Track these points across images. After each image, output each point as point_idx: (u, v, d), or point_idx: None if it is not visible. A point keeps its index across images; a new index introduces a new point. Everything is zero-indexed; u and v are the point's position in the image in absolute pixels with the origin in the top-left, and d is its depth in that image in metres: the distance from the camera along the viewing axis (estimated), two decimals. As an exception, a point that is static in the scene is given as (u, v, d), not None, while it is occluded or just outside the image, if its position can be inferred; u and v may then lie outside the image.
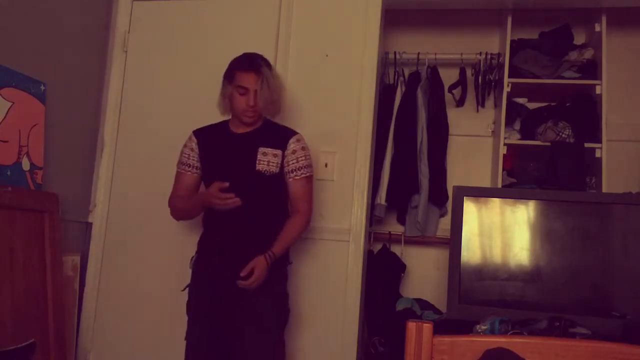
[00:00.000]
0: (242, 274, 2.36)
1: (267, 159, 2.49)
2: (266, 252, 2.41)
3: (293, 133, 2.59)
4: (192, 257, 2.61)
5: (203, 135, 2.65)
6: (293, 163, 2.52)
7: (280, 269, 2.53)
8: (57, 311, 2.73)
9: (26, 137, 2.72)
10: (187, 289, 2.59)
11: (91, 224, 3.26)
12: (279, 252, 2.45)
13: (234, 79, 2.50)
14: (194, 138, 2.65)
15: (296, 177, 2.53)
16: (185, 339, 2.55)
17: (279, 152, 2.51)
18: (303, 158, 2.55)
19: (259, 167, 2.48)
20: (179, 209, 2.68)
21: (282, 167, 2.51)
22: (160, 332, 3.07)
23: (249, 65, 2.51)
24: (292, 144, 2.53)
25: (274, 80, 2.53)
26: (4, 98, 2.60)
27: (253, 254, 2.44)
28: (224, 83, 2.56)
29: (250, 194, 2.47)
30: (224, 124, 2.64)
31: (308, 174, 2.56)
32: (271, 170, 2.49)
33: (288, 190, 2.55)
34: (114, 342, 3.16)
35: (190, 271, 2.61)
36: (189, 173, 2.63)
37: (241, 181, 2.47)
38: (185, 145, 2.66)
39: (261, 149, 2.50)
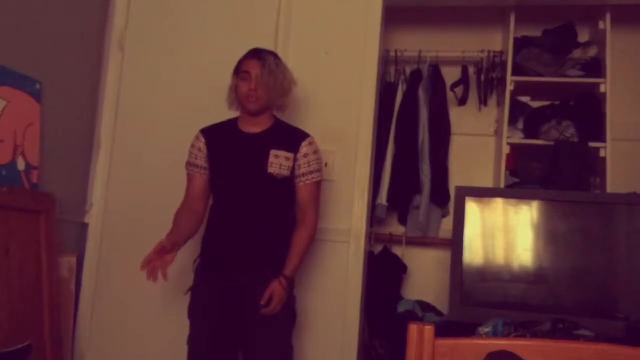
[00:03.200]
0: (262, 302, 2.34)
1: (279, 162, 2.44)
2: (279, 276, 2.37)
3: (305, 136, 2.53)
4: (195, 259, 2.57)
5: (211, 134, 2.59)
6: (304, 167, 2.47)
7: None
8: (54, 313, 2.72)
9: (22, 137, 2.71)
10: (190, 292, 2.55)
11: (88, 224, 3.24)
12: (292, 273, 2.41)
13: (239, 68, 2.51)
14: (201, 137, 2.59)
15: (306, 182, 2.47)
16: (187, 343, 2.50)
17: (291, 155, 2.46)
18: (315, 162, 2.50)
19: (270, 170, 2.43)
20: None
21: (293, 170, 2.47)
22: (158, 333, 3.06)
23: (253, 53, 2.53)
24: (304, 147, 2.48)
25: (281, 72, 2.49)
26: (-2, 97, 2.59)
27: (260, 257, 2.43)
28: (232, 78, 2.54)
29: (260, 196, 2.45)
30: (232, 123, 2.58)
31: (318, 179, 2.51)
32: (283, 173, 2.44)
33: (296, 195, 2.50)
34: (110, 344, 3.15)
35: (192, 274, 2.57)
36: (198, 174, 2.57)
37: (251, 184, 2.45)
38: (192, 146, 2.60)
39: (273, 152, 2.45)
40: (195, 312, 2.51)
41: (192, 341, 2.49)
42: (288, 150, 2.47)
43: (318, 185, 2.53)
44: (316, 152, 2.52)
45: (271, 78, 2.44)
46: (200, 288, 2.52)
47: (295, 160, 2.46)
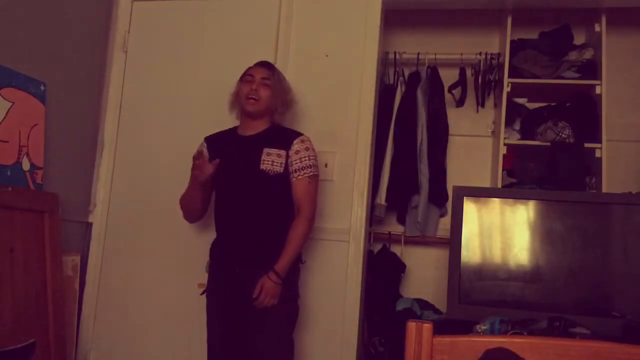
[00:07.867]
0: (254, 296, 2.41)
1: (271, 159, 2.52)
2: (269, 271, 2.42)
3: (298, 134, 2.62)
4: (207, 261, 2.67)
5: (212, 140, 2.72)
6: (296, 163, 2.54)
7: (292, 269, 2.53)
8: (57, 311, 2.73)
9: (26, 137, 2.72)
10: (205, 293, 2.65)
11: (91, 224, 3.26)
12: (282, 267, 2.44)
13: (244, 73, 2.63)
14: (204, 143, 2.72)
15: (299, 177, 2.54)
16: (207, 341, 2.61)
17: (283, 152, 2.54)
18: (306, 158, 2.56)
19: (262, 166, 2.51)
20: (182, 204, 2.74)
21: (286, 167, 2.53)
22: (160, 332, 3.07)
23: (262, 62, 2.67)
24: (296, 144, 2.56)
25: (286, 84, 2.68)
26: (4, 98, 2.61)
27: (258, 252, 2.49)
28: (236, 84, 2.66)
29: (255, 193, 2.53)
30: (232, 129, 2.71)
31: (311, 174, 2.56)
32: (275, 169, 2.51)
33: (292, 191, 2.56)
34: (113, 342, 3.16)
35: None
36: None
37: (246, 181, 2.53)
38: (197, 151, 2.69)
39: (266, 149, 2.54)
40: (209, 310, 2.61)
41: (209, 338, 2.58)
42: (280, 147, 2.55)
43: (312, 179, 2.57)
44: (308, 148, 2.59)
45: (279, 85, 2.58)
46: (210, 287, 2.62)
47: (287, 157, 2.54)
